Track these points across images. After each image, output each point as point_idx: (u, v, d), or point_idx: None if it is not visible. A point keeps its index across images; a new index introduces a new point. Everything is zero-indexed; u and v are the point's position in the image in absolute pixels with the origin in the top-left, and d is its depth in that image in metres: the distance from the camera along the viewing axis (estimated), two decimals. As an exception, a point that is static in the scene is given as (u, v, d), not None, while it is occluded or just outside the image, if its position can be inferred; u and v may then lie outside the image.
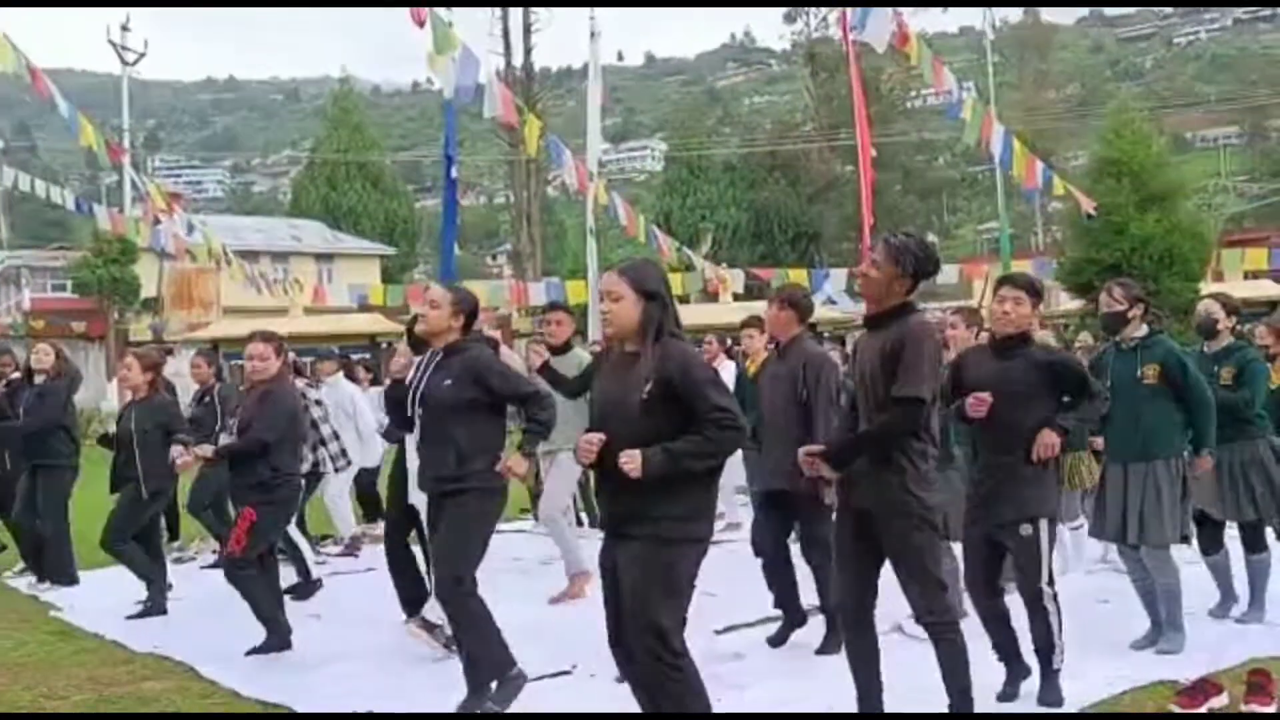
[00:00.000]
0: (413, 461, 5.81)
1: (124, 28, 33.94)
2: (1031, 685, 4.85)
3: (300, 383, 8.70)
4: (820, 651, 5.65)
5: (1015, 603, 4.90)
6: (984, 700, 4.59)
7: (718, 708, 4.77)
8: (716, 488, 3.97)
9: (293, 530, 7.76)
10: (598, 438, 3.83)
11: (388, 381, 5.71)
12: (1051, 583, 4.78)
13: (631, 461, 3.70)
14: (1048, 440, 4.74)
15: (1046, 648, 4.77)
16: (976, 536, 4.91)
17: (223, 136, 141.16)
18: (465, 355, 4.99)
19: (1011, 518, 4.77)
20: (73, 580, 8.20)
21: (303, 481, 7.76)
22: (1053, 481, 4.92)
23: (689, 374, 3.76)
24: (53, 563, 8.23)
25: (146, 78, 50.60)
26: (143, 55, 34.44)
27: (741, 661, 5.67)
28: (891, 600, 4.47)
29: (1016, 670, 4.89)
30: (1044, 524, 4.76)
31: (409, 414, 5.08)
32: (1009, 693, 4.86)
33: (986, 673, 4.71)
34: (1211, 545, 6.13)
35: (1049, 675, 4.79)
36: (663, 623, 3.74)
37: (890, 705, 4.39)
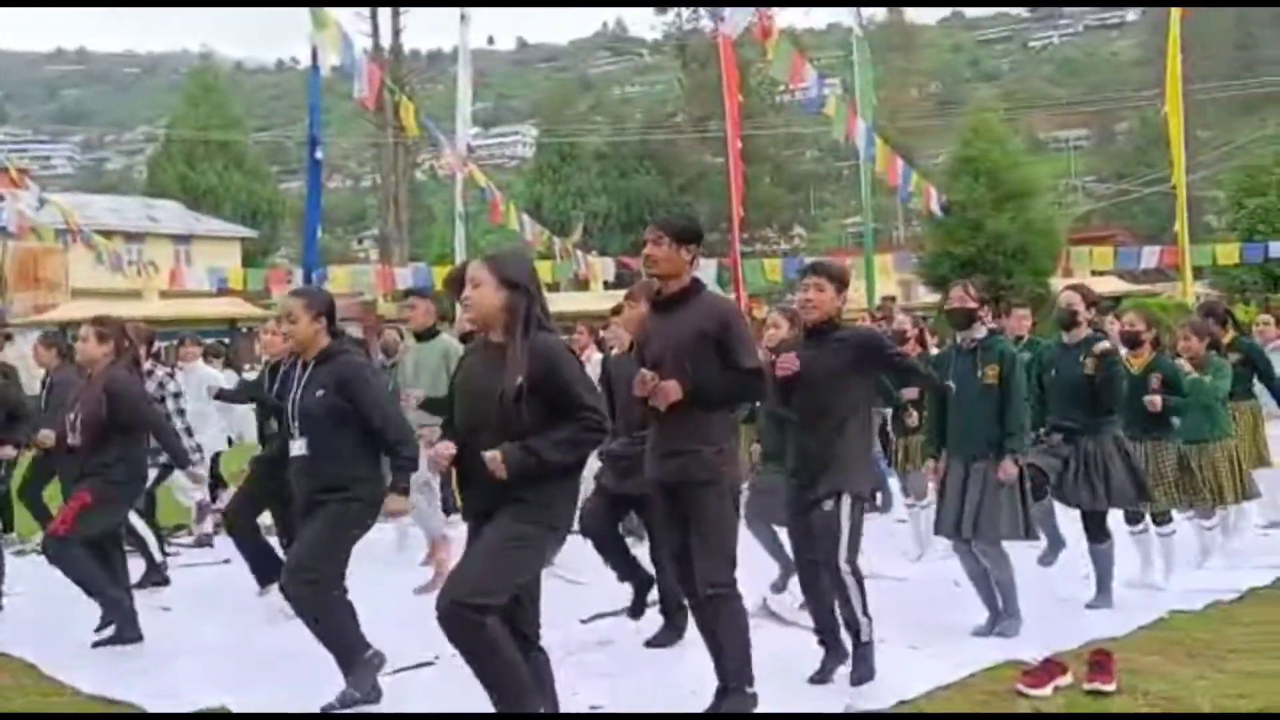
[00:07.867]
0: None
1: (-34, -7, 32.19)
2: (847, 669, 4.94)
3: (160, 372, 8.40)
4: (652, 644, 5.67)
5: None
6: (796, 685, 4.79)
7: (583, 695, 4.78)
8: (578, 480, 3.98)
9: (135, 520, 7.47)
10: (448, 451, 3.86)
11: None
12: (851, 559, 4.86)
13: (494, 462, 3.69)
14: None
15: (852, 621, 4.89)
16: (795, 517, 5.03)
17: (73, 110, 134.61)
18: (335, 363, 4.85)
19: (821, 494, 4.87)
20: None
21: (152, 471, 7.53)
22: (863, 461, 5.02)
23: (557, 371, 3.75)
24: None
25: (-11, 46, 48.06)
26: (-14, 22, 32.71)
27: (608, 649, 5.66)
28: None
29: (833, 654, 5.01)
30: (846, 501, 4.85)
31: (288, 426, 4.93)
32: (822, 676, 4.97)
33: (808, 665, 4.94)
34: (1099, 534, 6.28)
35: (859, 648, 4.89)
36: (487, 583, 3.69)
37: (774, 703, 4.47)
